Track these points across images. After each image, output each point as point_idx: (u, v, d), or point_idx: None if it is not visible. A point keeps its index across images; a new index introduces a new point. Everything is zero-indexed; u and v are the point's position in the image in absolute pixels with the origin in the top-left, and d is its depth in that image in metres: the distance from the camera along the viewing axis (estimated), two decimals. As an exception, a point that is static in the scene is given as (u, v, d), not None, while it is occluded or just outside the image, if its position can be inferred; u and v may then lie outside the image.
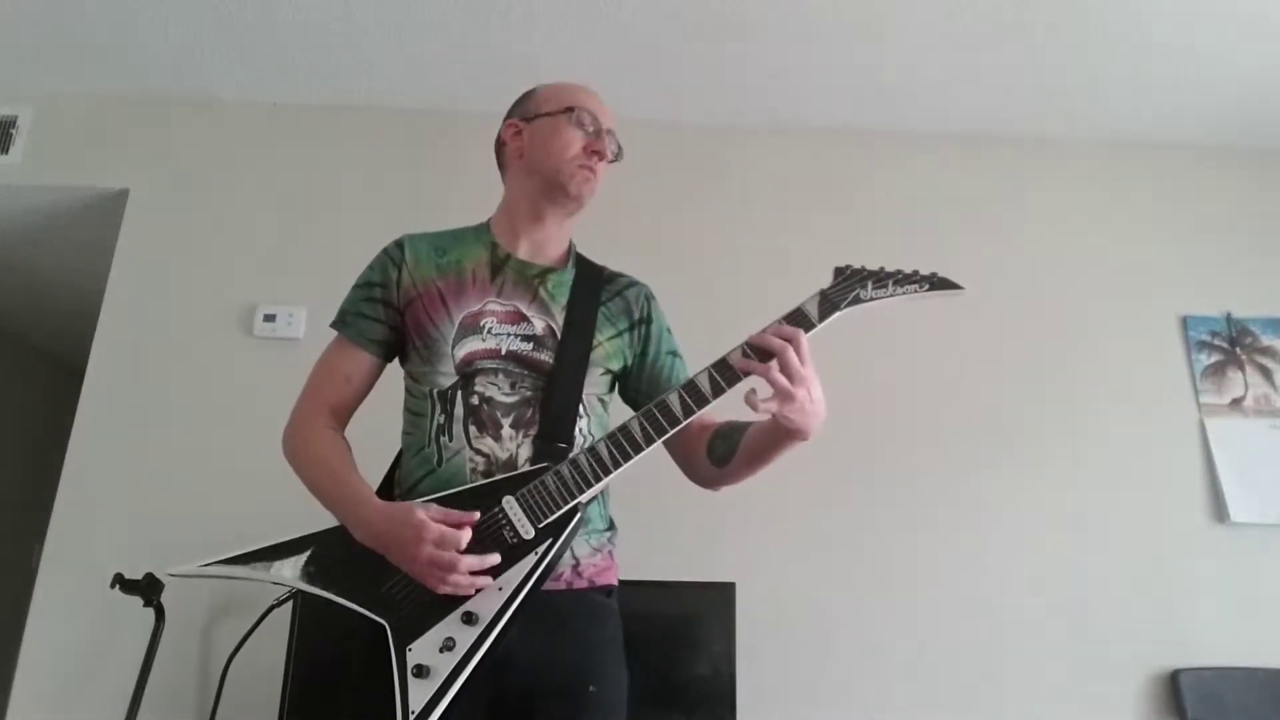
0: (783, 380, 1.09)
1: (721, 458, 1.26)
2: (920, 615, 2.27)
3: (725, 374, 1.14)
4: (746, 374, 1.12)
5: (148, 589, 1.98)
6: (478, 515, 1.10)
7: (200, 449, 2.31)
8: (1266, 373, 2.53)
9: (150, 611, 2.01)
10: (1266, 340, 2.56)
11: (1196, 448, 2.45)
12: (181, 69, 2.54)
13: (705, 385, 1.14)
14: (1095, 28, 2.28)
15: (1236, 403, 2.50)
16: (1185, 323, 2.57)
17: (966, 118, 2.68)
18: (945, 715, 2.19)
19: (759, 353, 1.11)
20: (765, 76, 2.52)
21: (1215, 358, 2.54)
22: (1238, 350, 2.55)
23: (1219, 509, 2.38)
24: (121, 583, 1.99)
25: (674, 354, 1.39)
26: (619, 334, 1.33)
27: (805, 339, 1.11)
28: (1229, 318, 2.58)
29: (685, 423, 1.15)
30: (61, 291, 3.33)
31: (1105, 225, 2.67)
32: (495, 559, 1.09)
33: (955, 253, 2.58)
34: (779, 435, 1.16)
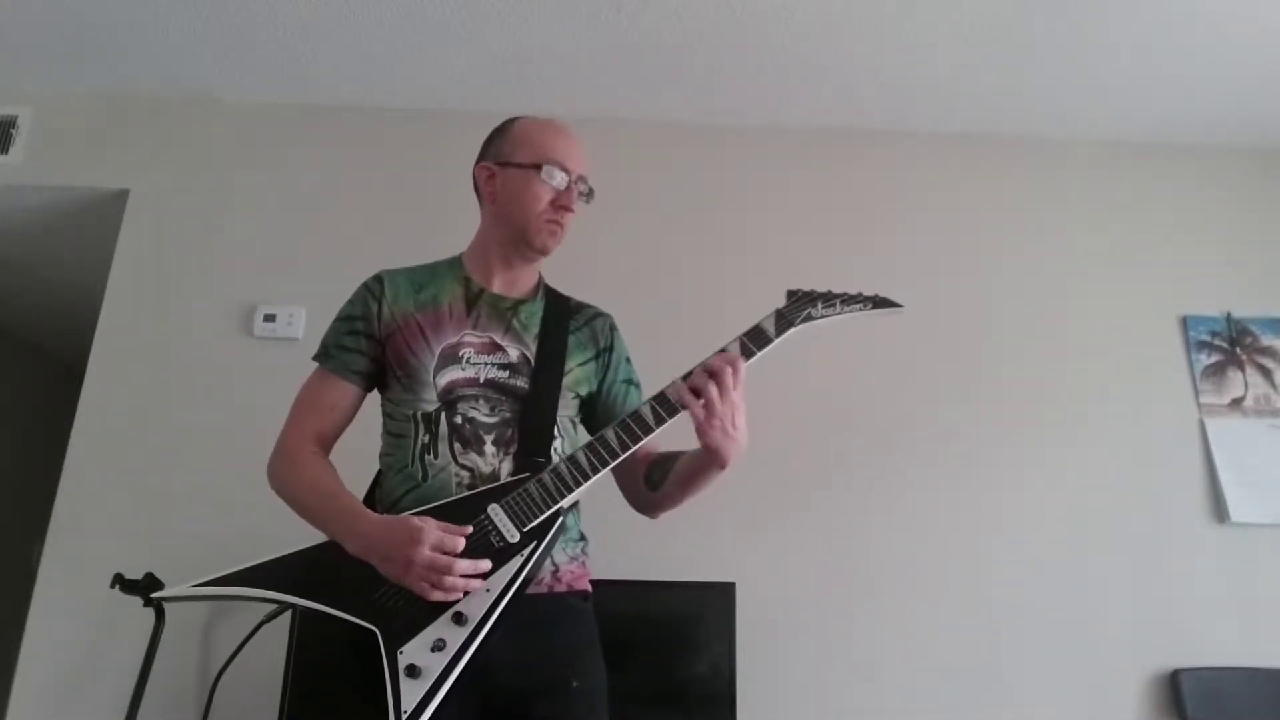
0: (698, 411, 1.16)
1: (655, 483, 1.35)
2: (920, 615, 2.27)
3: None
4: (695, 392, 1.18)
5: (148, 589, 1.97)
6: (470, 529, 1.15)
7: (200, 449, 2.31)
8: (1266, 373, 2.53)
9: (150, 611, 2.00)
10: (1266, 340, 2.56)
11: (1196, 448, 2.45)
12: (181, 69, 2.54)
13: (674, 398, 1.22)
14: (1095, 28, 2.28)
15: (1236, 403, 2.50)
16: (1185, 323, 2.57)
17: (966, 118, 2.68)
18: (945, 715, 2.19)
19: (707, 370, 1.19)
20: (765, 76, 2.52)
21: (1215, 358, 2.54)
22: (1238, 350, 2.55)
23: (1219, 509, 2.38)
24: (121, 583, 1.98)
25: (628, 381, 1.46)
26: (587, 361, 1.40)
27: (744, 367, 1.20)
28: (1229, 318, 2.58)
29: (657, 430, 1.23)
30: (61, 291, 3.33)
31: (1105, 225, 2.67)
32: (486, 565, 1.14)
33: (955, 253, 2.61)
34: (703, 463, 1.24)
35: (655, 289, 2.45)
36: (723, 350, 1.24)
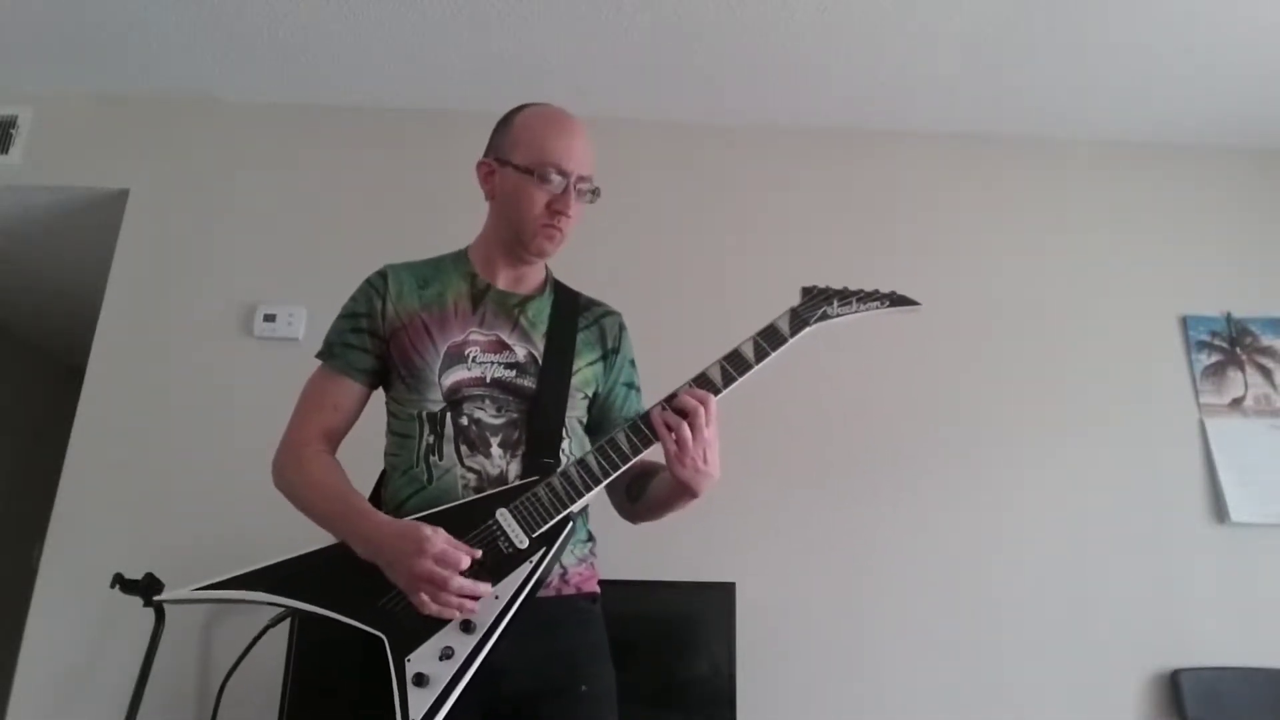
0: (670, 446, 1.16)
1: (635, 497, 1.34)
2: (920, 616, 2.27)
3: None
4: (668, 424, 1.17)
5: (148, 589, 1.98)
6: (480, 553, 1.12)
7: (200, 449, 2.31)
8: (1266, 373, 2.53)
9: (150, 612, 2.00)
10: (1266, 340, 2.56)
11: (1196, 448, 2.45)
12: (181, 69, 2.54)
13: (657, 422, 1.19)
14: (1095, 28, 2.28)
15: (1236, 403, 2.50)
16: (1185, 323, 2.57)
17: (966, 118, 2.68)
18: (945, 715, 2.19)
19: (677, 409, 1.17)
20: (765, 76, 2.52)
21: (1215, 358, 2.54)
22: (1238, 350, 2.55)
23: (1219, 509, 2.38)
24: (121, 583, 1.98)
25: (629, 385, 1.42)
26: (595, 361, 1.37)
27: (715, 403, 1.18)
28: (1229, 318, 2.58)
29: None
30: (61, 291, 3.33)
31: (1105, 226, 2.67)
32: (485, 588, 1.11)
33: (955, 253, 2.61)
34: (674, 490, 1.21)
35: (656, 289, 2.45)
36: (733, 351, 1.22)
